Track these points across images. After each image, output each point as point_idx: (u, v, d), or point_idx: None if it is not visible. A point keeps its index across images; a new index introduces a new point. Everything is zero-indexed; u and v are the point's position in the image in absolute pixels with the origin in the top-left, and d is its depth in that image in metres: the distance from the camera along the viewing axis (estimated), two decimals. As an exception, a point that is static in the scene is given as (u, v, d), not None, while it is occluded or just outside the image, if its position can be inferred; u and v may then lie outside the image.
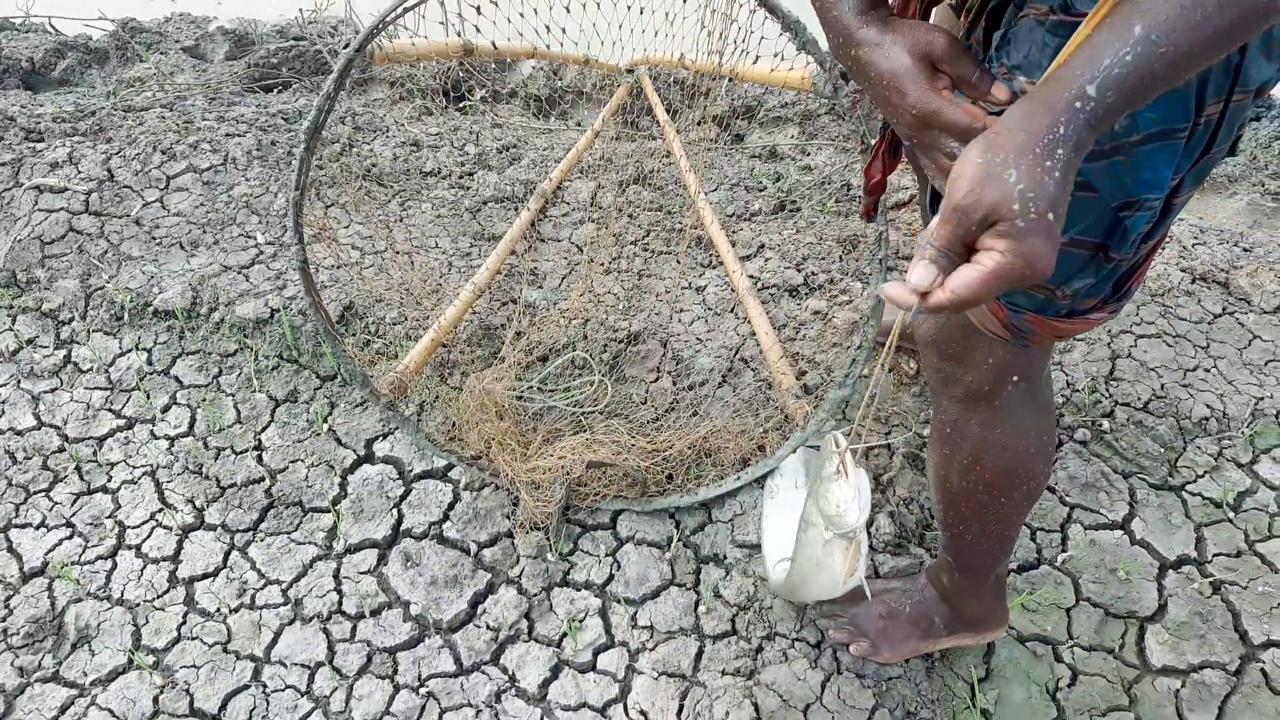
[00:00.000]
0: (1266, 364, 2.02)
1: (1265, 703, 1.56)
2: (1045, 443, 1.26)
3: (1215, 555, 1.74)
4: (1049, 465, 1.29)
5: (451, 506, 1.82)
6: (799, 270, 2.22)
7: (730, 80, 2.53)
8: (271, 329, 2.12)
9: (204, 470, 1.89)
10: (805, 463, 1.72)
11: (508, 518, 1.80)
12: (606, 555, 1.75)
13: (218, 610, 1.66)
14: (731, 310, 2.14)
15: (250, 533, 1.78)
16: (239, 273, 2.27)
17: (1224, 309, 2.14)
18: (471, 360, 2.02)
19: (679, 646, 1.62)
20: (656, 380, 2.01)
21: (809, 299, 2.15)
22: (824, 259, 2.25)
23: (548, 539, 1.76)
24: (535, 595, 1.69)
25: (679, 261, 2.26)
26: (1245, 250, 2.32)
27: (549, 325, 2.09)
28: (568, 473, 1.76)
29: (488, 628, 1.65)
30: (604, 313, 2.13)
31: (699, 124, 2.77)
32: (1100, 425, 1.92)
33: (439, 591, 1.69)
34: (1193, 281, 2.19)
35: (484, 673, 1.60)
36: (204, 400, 2.01)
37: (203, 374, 2.07)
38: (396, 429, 1.93)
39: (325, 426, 1.96)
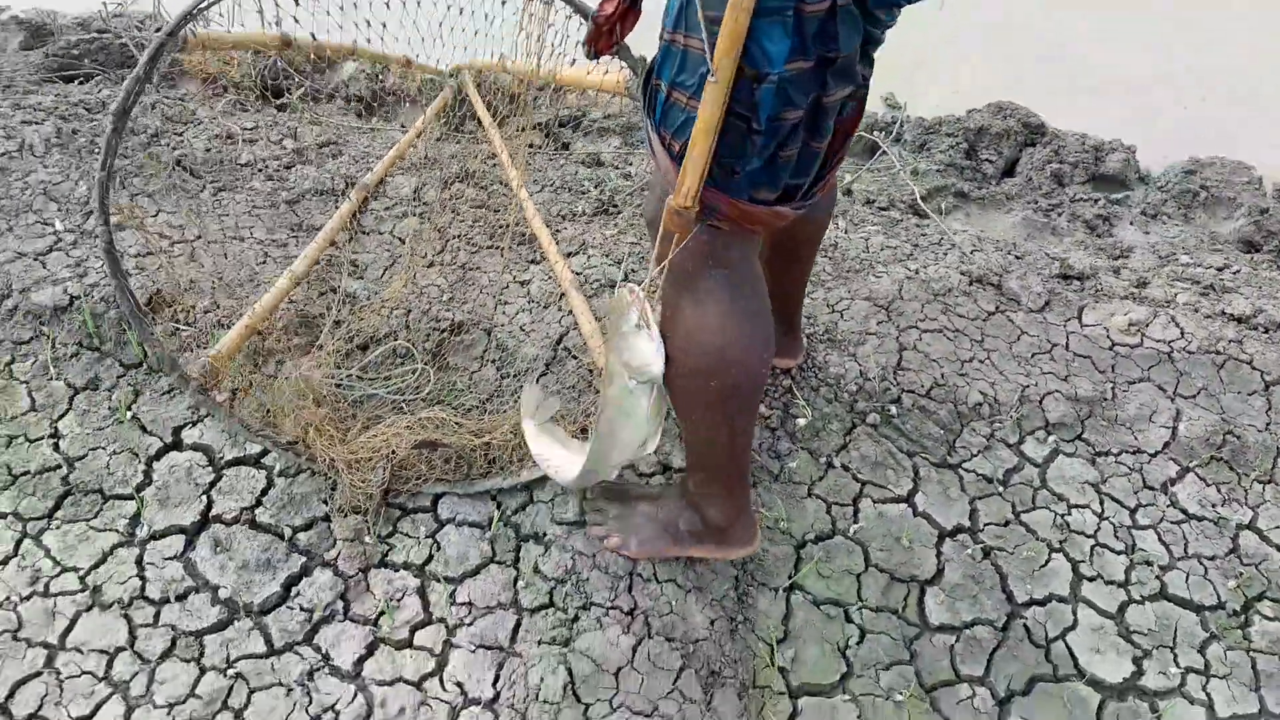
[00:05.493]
0: (1032, 356, 2.26)
1: (1027, 654, 1.74)
2: (747, 334, 1.37)
3: (986, 525, 1.92)
4: (756, 362, 1.40)
5: (265, 492, 1.79)
6: (619, 266, 2.31)
7: (552, 87, 2.59)
8: (71, 316, 2.03)
9: (-8, 459, 1.78)
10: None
11: (325, 502, 1.79)
12: (426, 537, 1.76)
13: (7, 599, 1.57)
14: (555, 304, 2.20)
15: (45, 520, 1.69)
16: (35, 260, 2.16)
17: (997, 307, 2.37)
18: (288, 349, 1.99)
19: (497, 620, 1.65)
20: (480, 369, 2.04)
21: (627, 294, 2.24)
22: (644, 258, 2.35)
23: (366, 522, 1.76)
24: (352, 577, 1.69)
25: (503, 255, 2.31)
26: (1017, 258, 2.58)
27: (370, 315, 2.09)
28: (391, 453, 1.77)
29: (301, 609, 1.63)
30: (427, 303, 2.15)
31: (522, 130, 2.83)
32: (888, 410, 2.09)
33: (250, 575, 1.66)
34: (970, 284, 2.42)
35: (296, 652, 1.58)
36: (-7, 388, 1.90)
37: (-8, 361, 1.96)
38: (207, 416, 1.88)
39: (129, 414, 1.88)
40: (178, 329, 2.03)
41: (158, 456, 1.82)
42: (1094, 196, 2.95)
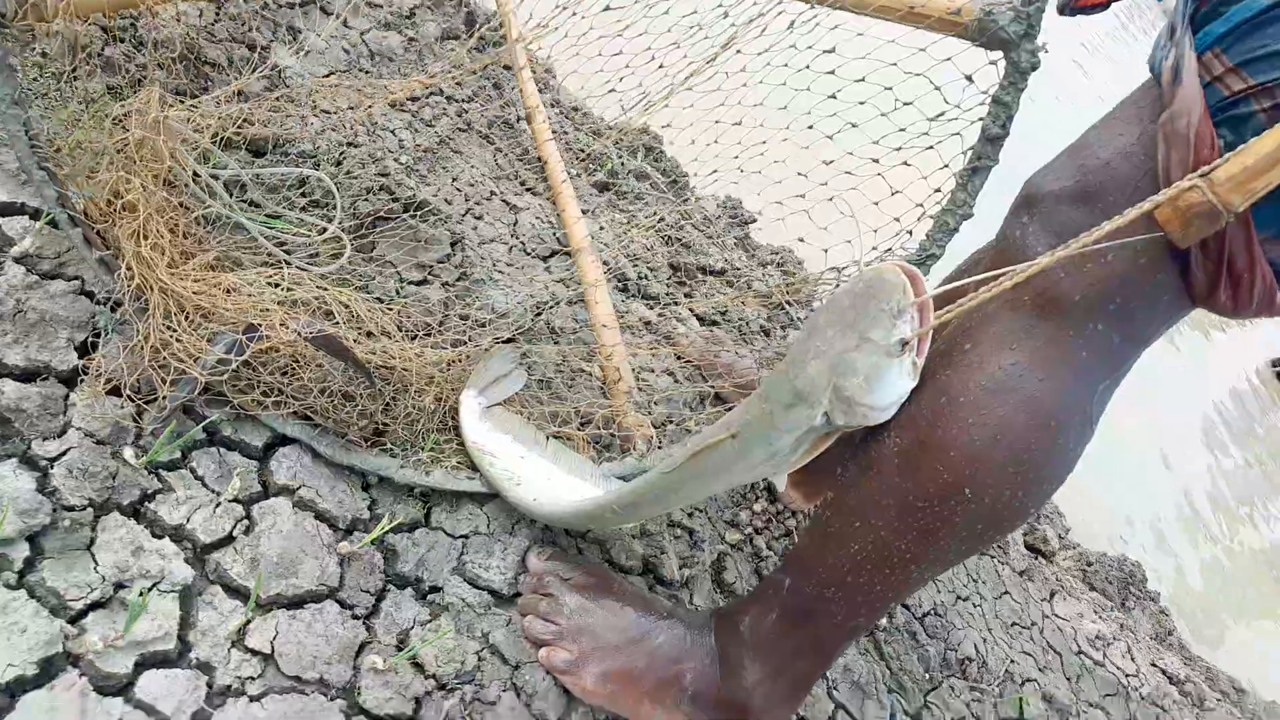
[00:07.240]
0: (1012, 625, 1.78)
1: None
2: (1059, 458, 0.81)
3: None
4: (1038, 499, 0.83)
5: (-19, 270, 0.91)
6: (633, 263, 1.60)
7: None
8: None
9: None
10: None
11: (80, 349, 0.93)
12: (234, 500, 0.93)
13: None
14: (549, 259, 1.46)
15: None
16: None
17: (990, 554, 1.89)
18: (153, 78, 1.13)
19: (305, 711, 0.85)
20: (423, 281, 1.25)
21: (634, 301, 1.54)
22: (655, 269, 1.66)
23: (138, 421, 0.91)
24: (75, 509, 0.83)
25: (494, 158, 1.55)
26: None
27: (290, 108, 1.26)
28: (255, 324, 0.95)
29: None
30: (379, 149, 1.34)
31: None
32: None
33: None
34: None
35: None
36: None
37: None
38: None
39: None
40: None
41: None
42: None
